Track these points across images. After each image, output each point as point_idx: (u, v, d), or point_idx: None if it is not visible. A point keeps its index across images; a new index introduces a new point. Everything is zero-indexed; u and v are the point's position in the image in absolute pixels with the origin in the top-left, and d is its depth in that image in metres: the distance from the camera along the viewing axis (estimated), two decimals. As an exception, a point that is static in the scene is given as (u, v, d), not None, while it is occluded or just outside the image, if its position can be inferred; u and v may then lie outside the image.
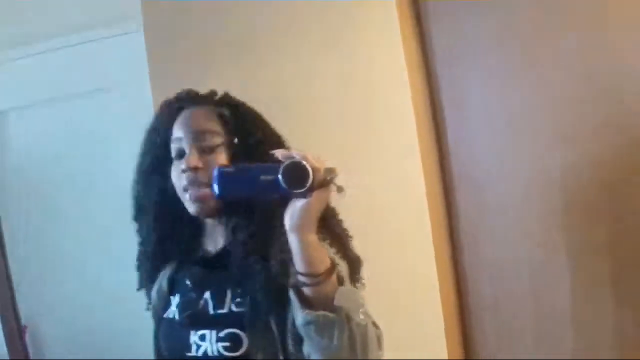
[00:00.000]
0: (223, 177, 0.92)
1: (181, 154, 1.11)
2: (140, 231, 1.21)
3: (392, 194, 1.88)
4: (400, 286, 1.85)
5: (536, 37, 1.83)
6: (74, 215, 2.42)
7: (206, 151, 1.09)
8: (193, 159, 1.08)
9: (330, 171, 0.92)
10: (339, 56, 1.88)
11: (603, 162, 1.76)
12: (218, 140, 1.11)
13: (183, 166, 1.08)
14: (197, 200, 1.09)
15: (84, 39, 2.35)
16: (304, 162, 0.89)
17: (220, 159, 1.10)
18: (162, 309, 1.21)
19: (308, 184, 0.88)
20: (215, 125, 1.12)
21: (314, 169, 0.89)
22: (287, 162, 0.89)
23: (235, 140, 1.12)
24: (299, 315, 0.96)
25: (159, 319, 1.21)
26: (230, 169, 0.94)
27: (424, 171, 1.90)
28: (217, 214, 1.12)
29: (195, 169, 1.07)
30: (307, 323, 0.94)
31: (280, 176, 0.89)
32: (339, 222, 1.16)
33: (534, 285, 1.91)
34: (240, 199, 1.02)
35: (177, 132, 1.12)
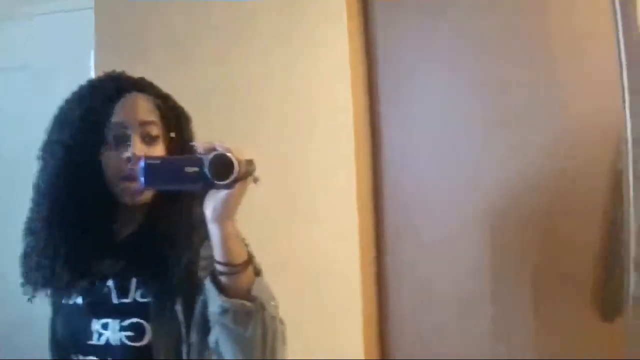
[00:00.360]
0: (149, 169, 0.94)
1: (120, 141, 1.07)
2: (38, 209, 1.10)
3: (323, 199, 1.89)
4: (323, 288, 1.86)
5: (485, 52, 1.88)
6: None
7: (147, 142, 1.08)
8: (140, 149, 1.06)
9: (250, 163, 0.94)
10: (284, 58, 1.88)
11: (539, 186, 1.82)
12: (158, 131, 1.10)
13: (128, 154, 1.06)
14: (138, 192, 1.07)
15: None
16: (230, 155, 0.91)
17: (158, 151, 1.09)
18: (59, 292, 1.13)
19: (233, 176, 0.91)
20: (155, 117, 1.11)
21: (237, 161, 0.91)
22: (213, 155, 0.91)
23: (172, 134, 1.12)
24: (215, 303, 0.96)
25: (58, 304, 1.15)
26: (157, 161, 0.96)
27: (357, 176, 1.92)
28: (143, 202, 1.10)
29: (140, 159, 1.01)
30: (225, 311, 0.94)
31: (206, 168, 0.91)
32: None
33: (456, 303, 1.94)
34: (166, 189, 1.04)
35: (119, 117, 1.08)
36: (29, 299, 1.11)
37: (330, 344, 1.83)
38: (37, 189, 1.10)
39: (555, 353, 1.81)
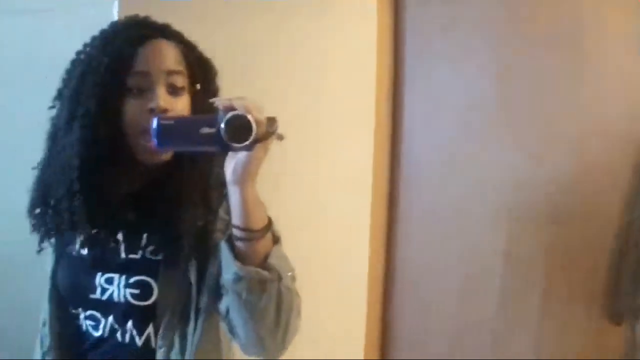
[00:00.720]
0: (163, 129, 0.88)
1: (143, 91, 0.98)
2: (51, 156, 1.04)
3: (338, 183, 1.86)
4: (329, 276, 1.84)
5: (515, 42, 1.83)
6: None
7: (172, 93, 1.00)
8: (165, 100, 0.98)
9: (272, 121, 0.88)
10: (313, 29, 1.83)
11: (559, 184, 1.78)
12: (184, 82, 1.02)
13: (152, 105, 0.96)
14: (157, 151, 0.98)
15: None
16: (247, 115, 0.84)
17: (183, 104, 1.01)
18: (64, 242, 1.08)
19: (251, 138, 0.85)
20: (182, 66, 1.02)
21: (257, 122, 0.84)
22: (229, 116, 0.85)
23: (198, 86, 1.05)
24: (229, 269, 0.90)
25: (61, 254, 1.09)
26: (170, 121, 0.90)
27: (374, 163, 1.89)
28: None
29: (165, 111, 0.97)
30: (238, 278, 0.89)
31: (222, 130, 0.85)
32: None
33: (461, 291, 1.92)
34: (180, 151, 0.98)
35: (143, 65, 0.98)
36: (37, 251, 1.06)
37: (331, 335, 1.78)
38: (53, 136, 1.04)
39: (561, 355, 1.77)
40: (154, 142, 0.88)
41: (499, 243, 1.85)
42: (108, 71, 0.97)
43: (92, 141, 0.97)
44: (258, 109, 0.86)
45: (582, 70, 1.73)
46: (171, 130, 0.88)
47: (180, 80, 1.01)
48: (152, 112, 0.96)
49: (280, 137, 0.89)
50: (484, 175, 1.87)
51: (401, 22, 1.97)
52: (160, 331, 0.99)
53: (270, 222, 0.93)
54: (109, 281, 1.01)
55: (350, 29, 1.85)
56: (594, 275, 1.72)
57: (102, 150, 0.98)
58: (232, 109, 0.85)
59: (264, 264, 0.90)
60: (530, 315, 1.82)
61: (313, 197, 1.86)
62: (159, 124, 0.88)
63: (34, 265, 1.78)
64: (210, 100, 0.90)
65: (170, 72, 1.00)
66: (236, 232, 0.90)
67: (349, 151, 1.87)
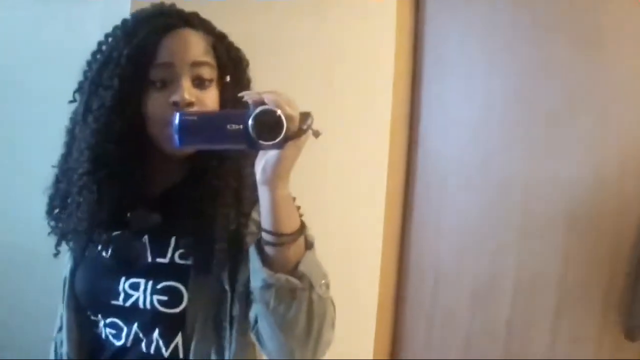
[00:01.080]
0: (185, 126, 0.81)
1: (167, 83, 0.92)
2: (70, 153, 0.98)
3: (352, 185, 1.82)
4: (342, 271, 1.80)
5: (540, 39, 1.78)
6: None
7: (198, 85, 0.94)
8: (189, 93, 0.91)
9: (306, 116, 0.81)
10: (333, 21, 1.78)
11: (573, 178, 1.73)
12: (212, 74, 0.95)
13: (176, 98, 0.90)
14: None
15: None
16: (277, 111, 0.78)
17: (211, 97, 0.95)
18: (84, 244, 1.01)
19: (281, 136, 0.78)
20: (210, 57, 0.96)
21: (287, 118, 0.78)
22: (257, 111, 0.79)
23: (228, 78, 0.98)
24: (257, 275, 0.85)
25: (80, 256, 1.02)
26: (193, 117, 0.83)
27: (389, 165, 1.87)
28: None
29: (190, 105, 0.91)
30: (267, 286, 0.83)
31: (250, 126, 0.79)
32: None
33: (474, 295, 1.89)
34: (204, 149, 0.92)
35: (166, 56, 0.92)
36: (54, 254, 1.00)
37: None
38: (71, 132, 0.99)
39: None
40: (175, 140, 0.81)
41: (513, 247, 1.82)
42: (129, 63, 0.91)
43: (106, 136, 0.91)
44: (290, 104, 0.80)
45: (602, 70, 1.69)
46: (194, 127, 0.81)
47: (208, 72, 0.95)
48: (175, 105, 0.90)
49: (317, 134, 0.83)
50: (501, 177, 1.83)
51: (420, 23, 1.93)
52: (194, 343, 0.93)
53: (302, 226, 0.87)
54: (134, 287, 0.94)
55: (369, 29, 1.81)
56: (610, 285, 1.68)
57: (118, 146, 0.92)
58: (262, 103, 0.79)
59: (294, 271, 0.84)
60: (544, 319, 1.78)
61: (326, 199, 1.81)
62: (181, 120, 0.81)
63: (34, 265, 1.75)
64: (239, 95, 0.83)
65: (196, 64, 0.93)
66: (265, 236, 0.84)
67: (363, 154, 1.84)
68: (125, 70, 0.91)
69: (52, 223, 1.01)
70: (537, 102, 1.77)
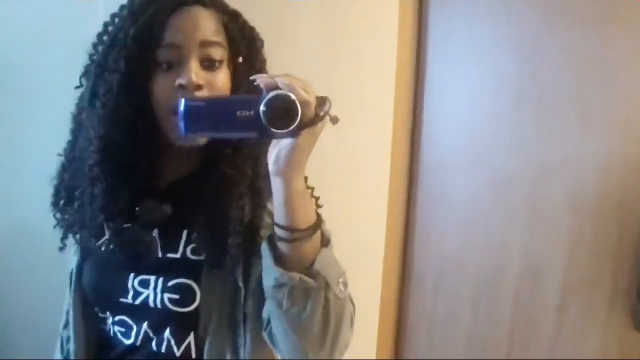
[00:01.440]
0: (192, 112, 0.75)
1: (173, 64, 0.86)
2: (76, 142, 0.94)
3: (354, 179, 1.79)
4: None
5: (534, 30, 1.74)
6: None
7: (208, 67, 0.88)
8: (197, 75, 0.85)
9: (323, 101, 0.75)
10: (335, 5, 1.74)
11: (582, 164, 1.68)
12: (222, 55, 0.89)
13: (182, 81, 0.85)
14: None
15: None
16: (292, 96, 0.72)
17: (221, 79, 0.89)
18: (91, 238, 0.96)
19: (296, 123, 0.72)
20: (221, 37, 0.89)
21: (302, 103, 0.72)
22: (270, 96, 0.73)
23: (240, 59, 0.91)
24: (270, 274, 0.80)
25: (87, 250, 0.97)
26: (200, 102, 0.76)
27: (392, 152, 1.83)
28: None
29: (198, 88, 0.85)
30: (280, 285, 0.78)
31: (262, 113, 0.73)
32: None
33: (478, 291, 1.86)
34: (213, 137, 0.85)
35: (174, 36, 0.86)
36: (59, 248, 0.96)
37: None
38: (77, 119, 0.94)
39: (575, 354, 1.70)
40: (180, 127, 0.76)
41: (520, 237, 1.78)
42: (135, 43, 0.86)
43: (114, 123, 0.86)
44: (306, 87, 0.73)
45: (613, 51, 1.63)
46: (201, 113, 0.75)
47: (219, 53, 0.88)
48: (181, 89, 0.85)
49: (335, 120, 0.76)
50: (507, 164, 1.79)
51: (425, 5, 1.89)
52: (207, 343, 0.88)
53: (318, 221, 0.80)
54: (144, 284, 0.90)
55: (372, 14, 1.76)
56: (616, 275, 1.65)
57: (126, 134, 0.87)
58: (275, 87, 0.73)
59: (309, 269, 0.78)
60: (548, 315, 1.75)
61: (327, 191, 1.79)
62: (186, 106, 0.75)
63: (38, 260, 1.71)
64: (251, 78, 0.77)
65: (206, 44, 0.87)
66: (278, 232, 0.79)
67: (366, 142, 1.80)
68: (132, 52, 0.86)
69: (58, 215, 0.96)
70: (546, 85, 1.72)
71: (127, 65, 0.86)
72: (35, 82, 1.75)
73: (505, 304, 1.81)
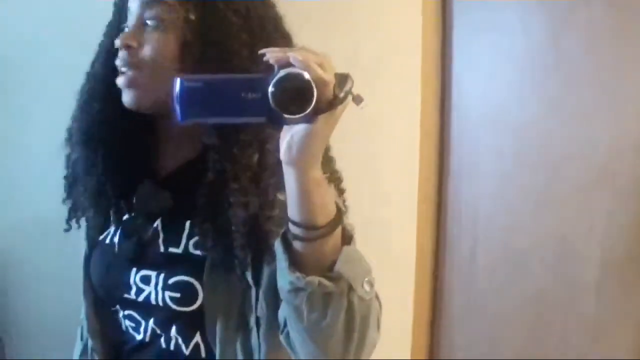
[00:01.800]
0: (187, 94, 0.63)
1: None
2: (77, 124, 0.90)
3: (382, 173, 1.78)
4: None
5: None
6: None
7: (152, 28, 0.80)
8: (131, 36, 0.79)
9: (343, 79, 0.64)
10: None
11: (615, 144, 1.64)
12: (170, 14, 0.79)
13: (117, 43, 0.80)
14: (127, 85, 0.81)
15: None
16: (305, 74, 0.61)
17: (156, 38, 0.80)
18: (97, 227, 0.92)
19: (311, 107, 0.62)
20: None
21: (319, 83, 0.61)
22: (280, 75, 0.62)
23: (192, 16, 0.79)
24: (285, 277, 0.70)
25: (94, 239, 0.92)
26: (197, 82, 0.64)
27: (421, 139, 1.82)
28: (163, 110, 0.80)
29: (128, 48, 0.79)
30: (296, 290, 0.69)
31: (270, 94, 0.62)
32: (332, 159, 0.88)
33: (505, 284, 1.83)
34: (213, 123, 0.75)
35: (131, 1, 0.82)
36: (65, 229, 0.92)
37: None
38: (78, 102, 0.91)
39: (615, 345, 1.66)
40: (176, 112, 0.64)
41: (552, 226, 1.74)
42: (113, 27, 0.85)
43: (101, 107, 0.84)
44: (323, 64, 0.62)
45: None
46: (199, 95, 0.64)
47: (162, 11, 0.79)
48: (118, 49, 0.80)
49: (359, 100, 0.65)
50: (541, 142, 1.76)
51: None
52: (217, 343, 0.82)
53: (339, 216, 0.70)
54: (145, 280, 0.84)
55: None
56: None
57: (115, 119, 0.84)
58: (288, 64, 0.62)
59: (329, 271, 0.69)
60: (587, 306, 1.70)
61: (355, 187, 1.79)
62: (182, 87, 0.63)
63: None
64: (260, 52, 0.65)
65: (148, 3, 0.79)
66: (293, 229, 0.69)
67: (394, 130, 1.80)
68: (112, 35, 0.83)
69: (66, 199, 0.93)
70: (578, 61, 1.68)
71: (107, 49, 0.85)
72: (35, 82, 1.76)
73: (541, 285, 1.77)
